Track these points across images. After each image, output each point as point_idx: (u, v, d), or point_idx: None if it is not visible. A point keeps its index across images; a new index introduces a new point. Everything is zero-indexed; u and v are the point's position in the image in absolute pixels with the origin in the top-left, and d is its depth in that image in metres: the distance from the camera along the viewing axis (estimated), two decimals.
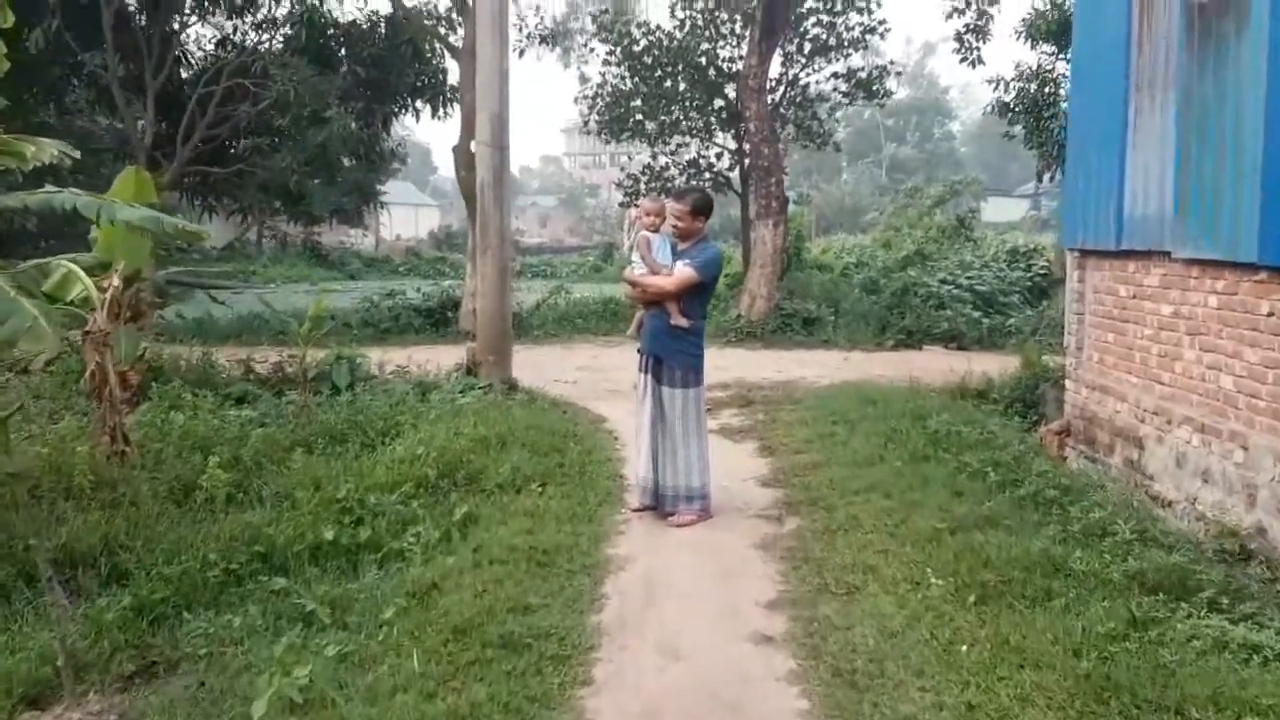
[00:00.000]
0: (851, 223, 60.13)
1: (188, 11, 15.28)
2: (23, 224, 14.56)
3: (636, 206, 7.04)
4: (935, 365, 12.88)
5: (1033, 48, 14.64)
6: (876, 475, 6.93)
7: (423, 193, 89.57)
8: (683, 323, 6.18)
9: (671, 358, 6.23)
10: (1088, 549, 5.07)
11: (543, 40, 15.86)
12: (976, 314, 16.43)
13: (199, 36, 16.25)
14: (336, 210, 16.26)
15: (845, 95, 20.39)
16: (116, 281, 7.10)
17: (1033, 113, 14.57)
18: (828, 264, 27.05)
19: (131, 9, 14.96)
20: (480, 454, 7.28)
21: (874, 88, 20.01)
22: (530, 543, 5.57)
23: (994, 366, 11.70)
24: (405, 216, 68.02)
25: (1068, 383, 8.84)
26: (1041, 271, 21.62)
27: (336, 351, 10.03)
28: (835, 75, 20.14)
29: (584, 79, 21.50)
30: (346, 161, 16.68)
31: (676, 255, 6.27)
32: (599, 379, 11.96)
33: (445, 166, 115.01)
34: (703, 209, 6.32)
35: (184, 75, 15.54)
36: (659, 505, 6.40)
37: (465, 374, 10.28)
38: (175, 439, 7.26)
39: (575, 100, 21.25)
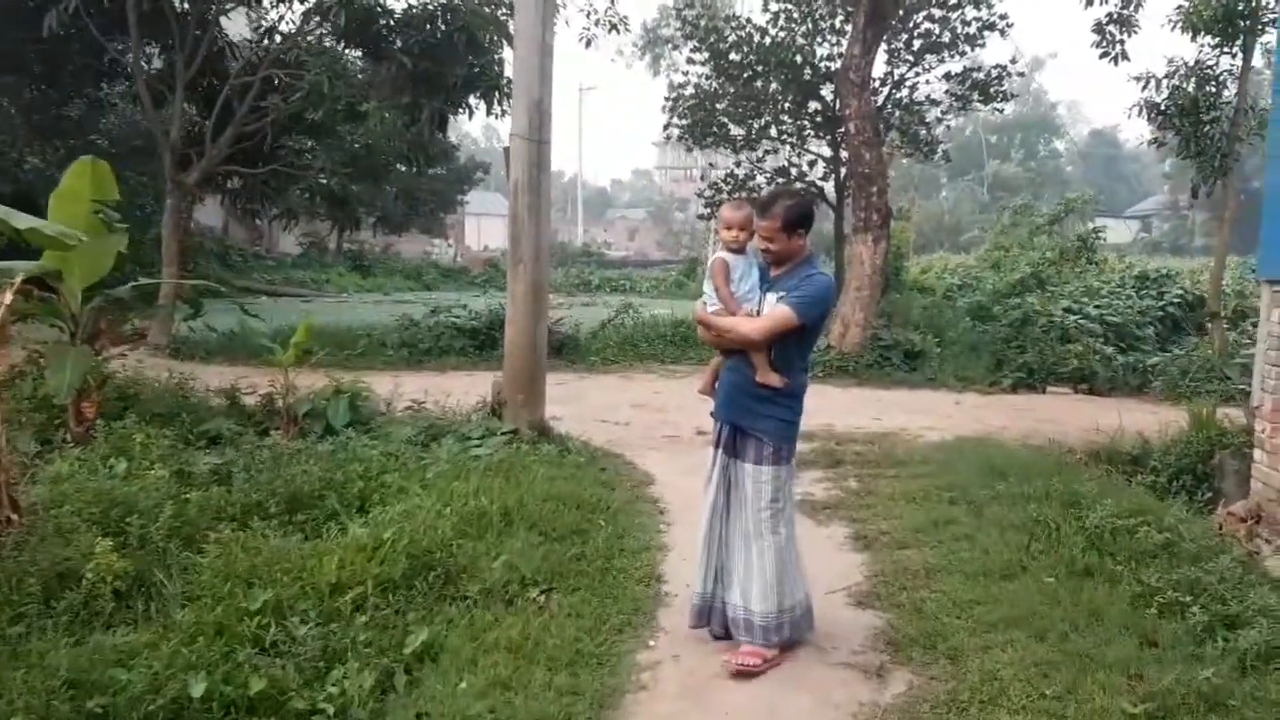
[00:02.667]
0: (951, 241, 57.35)
1: None
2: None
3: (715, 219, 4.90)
4: (1068, 415, 10.64)
5: (1193, 39, 12.30)
6: (1019, 597, 4.87)
7: None
8: (774, 381, 4.31)
9: (757, 426, 4.37)
10: None
11: (612, 27, 14.05)
12: (1109, 349, 14.05)
13: (242, 25, 14.80)
14: (382, 218, 14.55)
15: (957, 99, 18.11)
16: (7, 298, 5.42)
17: (1190, 115, 12.22)
18: (929, 286, 24.71)
19: None
20: (472, 538, 5.43)
21: (991, 90, 17.70)
22: (500, 709, 3.70)
23: (1143, 421, 9.45)
24: (493, 227, 67.32)
25: (1258, 454, 6.72)
26: (1175, 301, 19.04)
27: (335, 384, 8.29)
28: (947, 76, 17.88)
29: (672, 87, 19.68)
30: (401, 165, 15.03)
31: (767, 284, 4.41)
32: (656, 421, 10.02)
33: None
34: (800, 221, 4.37)
35: (221, 67, 14.09)
36: (717, 625, 4.56)
37: (489, 414, 8.44)
38: (83, 502, 5.56)
39: (662, 109, 19.41)
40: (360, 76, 12.91)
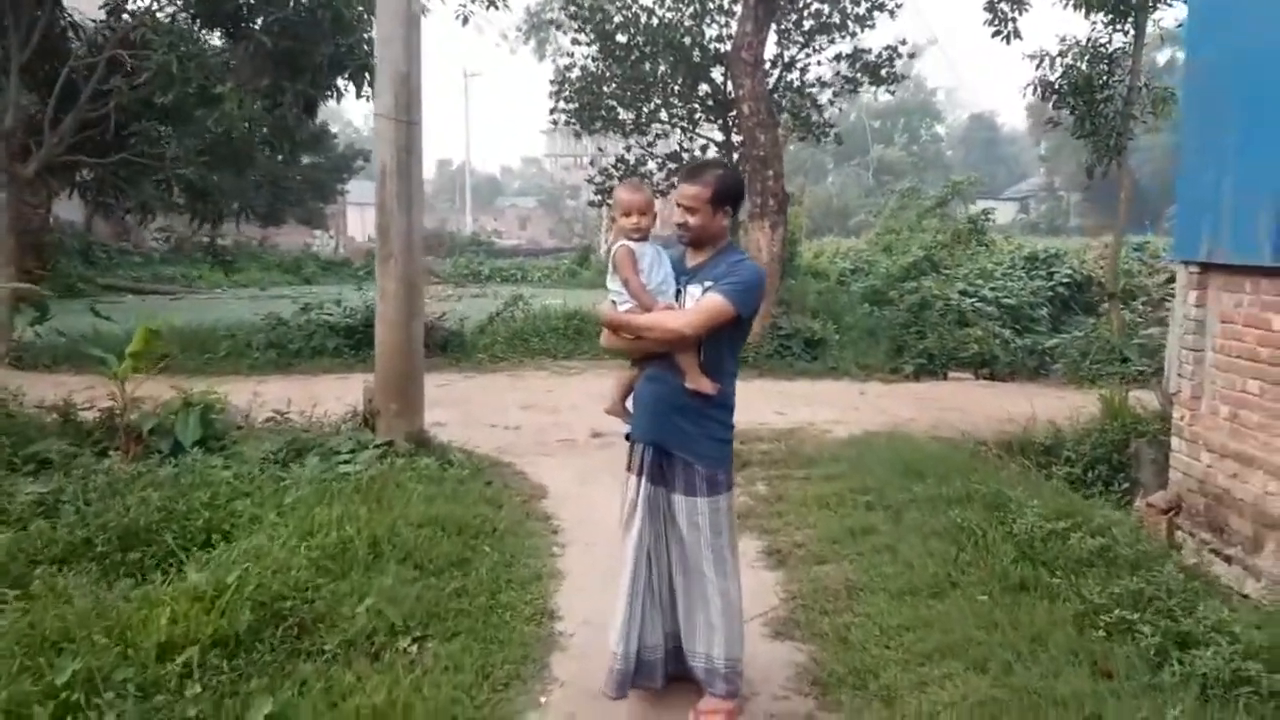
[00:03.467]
0: (840, 226, 57.93)
1: None
2: None
3: (610, 204, 3.96)
4: (974, 403, 10.34)
5: (1086, 16, 12.14)
6: (952, 620, 4.38)
7: None
8: (706, 387, 3.61)
9: (689, 447, 3.64)
10: None
11: (490, 4, 13.17)
12: (1006, 332, 13.91)
13: (87, 3, 13.47)
14: (244, 209, 13.44)
15: (847, 81, 17.79)
16: None
17: (1084, 94, 12.06)
18: (822, 270, 24.51)
19: None
20: (333, 577, 4.70)
21: (881, 71, 17.43)
22: None
23: (1050, 407, 9.20)
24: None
25: (1176, 442, 6.45)
26: (1064, 281, 19.19)
27: (185, 395, 7.37)
28: (839, 57, 17.53)
29: (558, 70, 18.89)
30: (267, 153, 13.86)
31: (686, 275, 3.73)
32: (548, 423, 9.33)
33: (425, 166, 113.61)
34: (731, 195, 3.70)
35: (63, 48, 12.77)
36: (647, 680, 3.84)
37: (360, 425, 7.64)
38: None
39: (549, 94, 18.61)
40: (216, 58, 11.80)
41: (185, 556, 4.99)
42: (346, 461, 6.98)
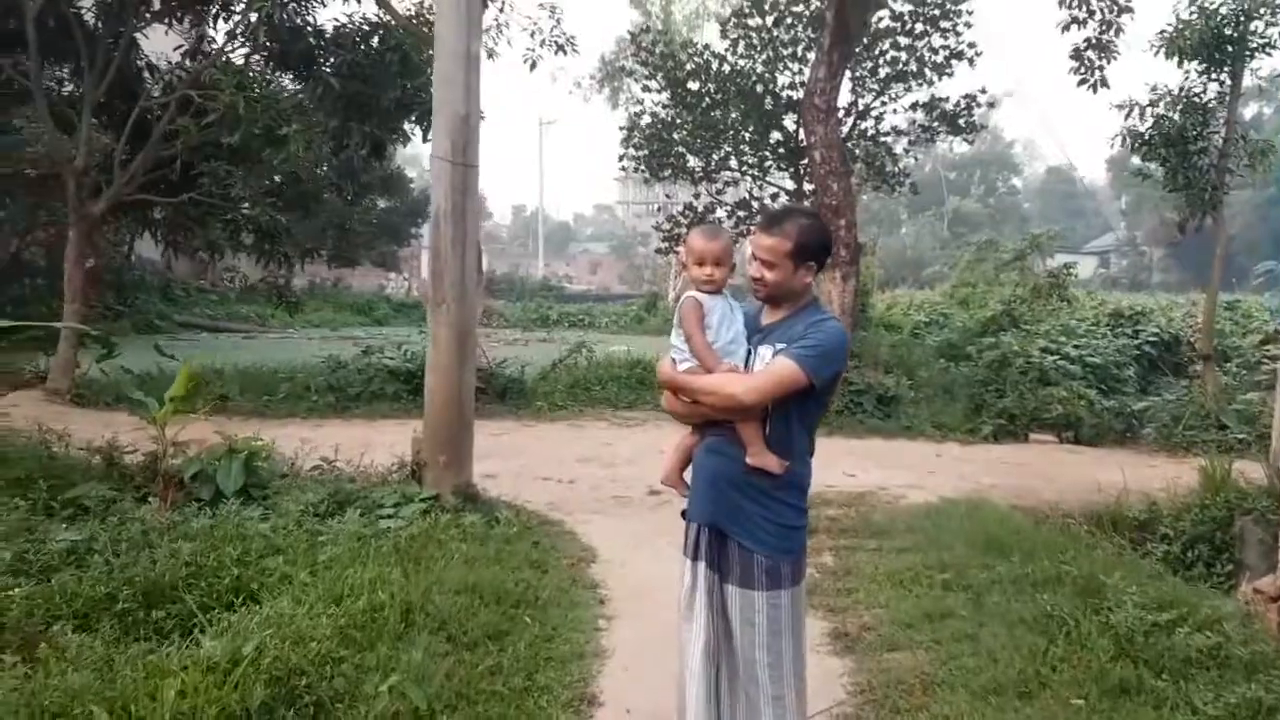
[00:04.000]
0: (914, 277, 56.98)
1: (146, 14, 12.73)
2: None
3: (679, 251, 3.31)
4: (1059, 469, 9.69)
5: (1179, 65, 11.56)
6: None
7: None
8: (771, 465, 3.11)
9: (748, 531, 3.13)
10: None
11: (559, 49, 13.01)
12: (1092, 393, 13.18)
13: (162, 43, 13.69)
14: (311, 251, 13.45)
15: (924, 129, 17.34)
16: None
17: (1176, 145, 11.45)
18: (895, 323, 23.89)
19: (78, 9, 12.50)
20: (359, 648, 4.33)
21: (959, 120, 16.94)
22: None
23: (1142, 476, 8.55)
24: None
25: None
26: (1151, 339, 18.35)
27: (230, 442, 7.14)
28: (915, 105, 17.09)
29: (630, 117, 18.80)
30: (331, 195, 13.88)
31: (759, 333, 3.28)
32: (604, 478, 8.94)
33: (500, 211, 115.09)
34: (817, 249, 3.22)
35: (137, 89, 12.94)
36: None
37: (408, 476, 7.33)
38: None
39: (620, 142, 18.48)
40: (285, 99, 11.81)
41: (207, 619, 4.68)
42: (389, 516, 6.67)
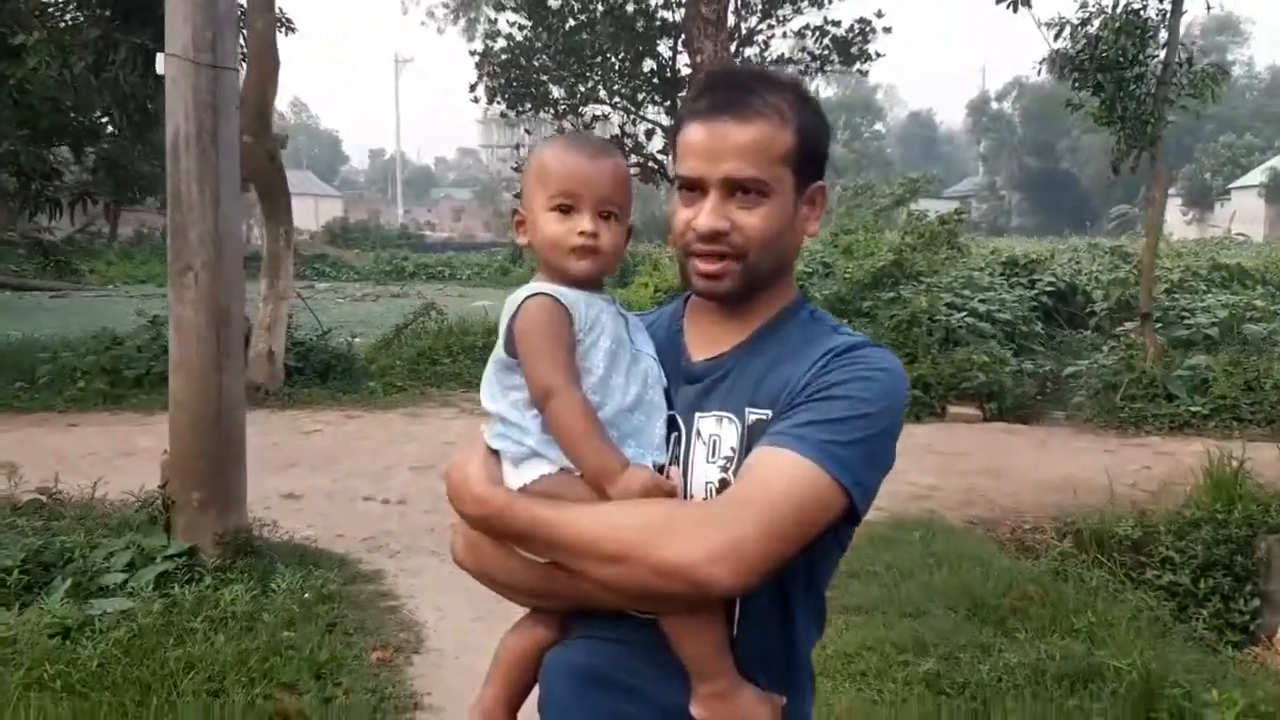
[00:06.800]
0: None
1: None
2: None
3: (517, 200, 1.58)
4: (1004, 459, 8.09)
5: None
6: None
7: (329, 184, 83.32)
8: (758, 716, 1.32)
9: None
10: None
11: None
12: (1008, 354, 11.74)
13: None
14: (81, 195, 10.76)
15: (814, 58, 15.54)
16: None
17: (1112, 70, 9.90)
18: None
19: None
20: None
21: (853, 49, 15.21)
22: None
23: (1105, 467, 7.02)
24: (304, 209, 61.98)
25: None
26: (1048, 290, 17.16)
27: None
28: (806, 30, 15.26)
29: (484, 43, 16.41)
30: (113, 126, 11.09)
31: (696, 379, 1.40)
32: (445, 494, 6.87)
33: (358, 156, 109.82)
34: (822, 150, 1.42)
35: None
36: None
37: (155, 519, 5.09)
38: None
39: (475, 69, 16.09)
40: (25, 2, 9.10)
41: None
42: (110, 592, 4.49)
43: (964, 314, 12.79)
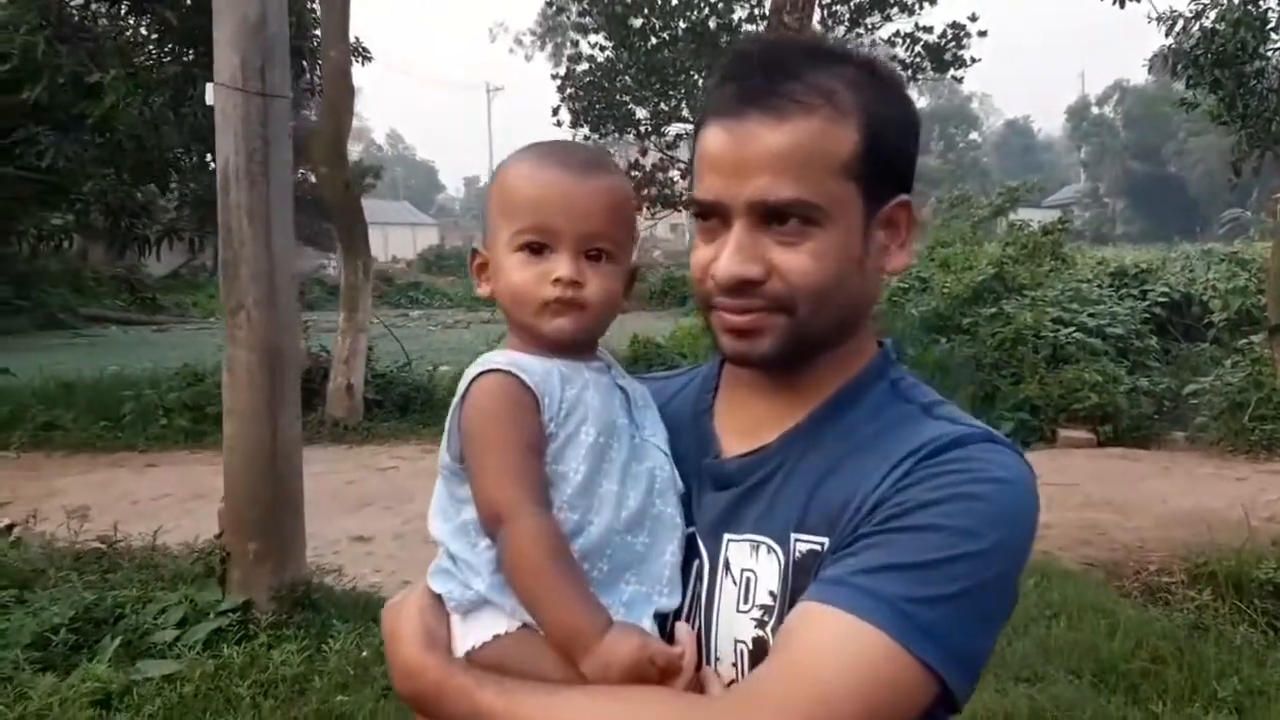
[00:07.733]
0: None
1: None
2: None
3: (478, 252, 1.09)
4: (1120, 486, 7.45)
5: None
6: None
7: (426, 213, 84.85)
8: None
9: None
10: None
11: None
12: (1121, 372, 10.98)
13: None
14: (168, 232, 10.82)
15: (905, 66, 14.97)
16: None
17: (1230, 66, 9.19)
18: None
19: None
20: None
21: (946, 55, 14.61)
22: None
23: (1241, 498, 6.34)
24: (402, 238, 63.31)
25: None
26: (1161, 301, 16.18)
27: None
28: (896, 37, 14.72)
29: (568, 67, 16.28)
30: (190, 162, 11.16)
31: (729, 488, 0.97)
32: None
33: (453, 184, 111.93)
34: (903, 151, 1.02)
35: None
36: None
37: (211, 571, 4.87)
38: None
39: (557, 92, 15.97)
40: (98, 34, 9.16)
41: None
42: (161, 650, 4.27)
43: (1072, 329, 12.05)
